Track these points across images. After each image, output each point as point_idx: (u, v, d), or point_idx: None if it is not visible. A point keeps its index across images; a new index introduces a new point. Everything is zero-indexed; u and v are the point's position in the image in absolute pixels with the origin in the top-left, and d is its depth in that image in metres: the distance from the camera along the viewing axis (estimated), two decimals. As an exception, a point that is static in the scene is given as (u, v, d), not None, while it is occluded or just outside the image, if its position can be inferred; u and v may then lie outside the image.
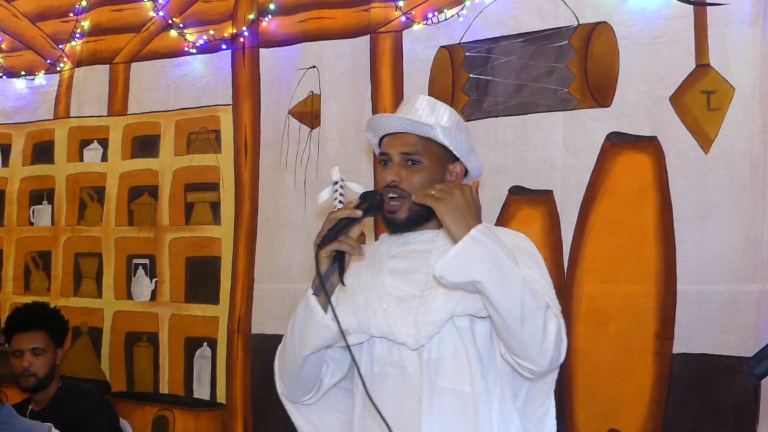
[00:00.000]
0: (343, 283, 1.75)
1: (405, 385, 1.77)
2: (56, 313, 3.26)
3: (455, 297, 1.74)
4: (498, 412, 1.75)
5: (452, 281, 1.62)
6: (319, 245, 1.72)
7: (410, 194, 1.80)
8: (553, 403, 1.84)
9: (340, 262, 1.74)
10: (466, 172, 1.93)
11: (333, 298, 1.78)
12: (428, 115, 1.86)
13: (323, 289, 1.75)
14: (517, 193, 2.75)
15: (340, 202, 1.85)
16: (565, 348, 1.69)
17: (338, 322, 1.72)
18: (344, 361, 1.91)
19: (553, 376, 1.79)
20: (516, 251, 1.77)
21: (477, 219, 1.67)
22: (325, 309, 1.76)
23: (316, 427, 1.96)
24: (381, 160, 1.89)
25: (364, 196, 1.79)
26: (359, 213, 1.74)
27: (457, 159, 1.89)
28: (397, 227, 1.85)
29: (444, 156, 1.87)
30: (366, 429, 1.83)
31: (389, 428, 1.66)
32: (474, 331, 1.77)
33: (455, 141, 1.85)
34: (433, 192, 1.67)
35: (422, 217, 1.84)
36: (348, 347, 1.74)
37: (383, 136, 1.91)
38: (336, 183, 1.87)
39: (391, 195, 1.82)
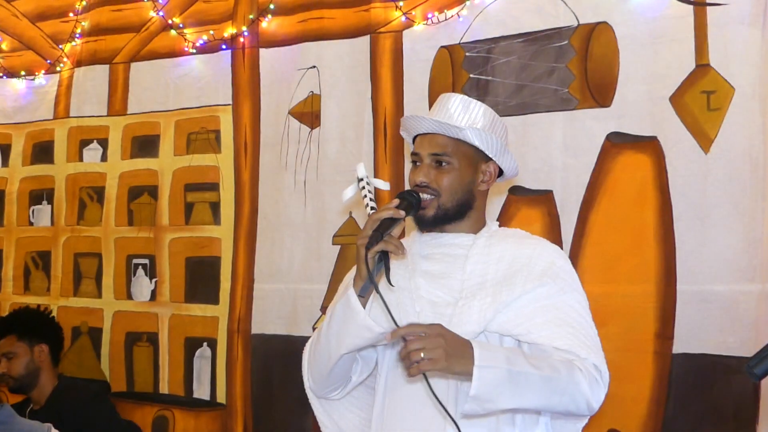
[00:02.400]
0: (390, 284, 1.72)
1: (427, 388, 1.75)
2: (27, 313, 3.32)
3: (489, 312, 1.75)
4: (521, 425, 1.76)
5: (480, 414, 1.66)
6: (367, 246, 1.70)
7: (440, 193, 1.82)
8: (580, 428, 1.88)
9: (386, 261, 1.72)
10: (500, 172, 1.93)
11: (377, 300, 1.75)
12: (460, 115, 1.85)
13: (375, 289, 1.71)
14: (516, 193, 2.75)
15: (371, 199, 1.84)
16: (604, 390, 1.73)
17: (392, 317, 1.67)
18: (373, 359, 1.91)
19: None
20: (552, 273, 1.79)
21: (468, 346, 1.62)
22: (366, 309, 1.75)
23: (336, 422, 1.96)
24: (412, 161, 1.90)
25: (402, 196, 1.79)
26: (402, 213, 1.74)
27: (490, 158, 1.89)
28: (426, 224, 1.85)
29: (476, 156, 1.87)
30: (384, 427, 1.82)
31: (446, 411, 1.63)
32: (502, 343, 1.78)
33: (486, 141, 1.85)
34: (423, 357, 1.56)
35: (450, 217, 1.84)
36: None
37: (416, 136, 1.92)
38: (361, 180, 1.85)
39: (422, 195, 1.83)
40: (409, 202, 1.78)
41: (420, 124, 1.88)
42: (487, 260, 1.82)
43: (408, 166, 2.93)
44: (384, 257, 1.72)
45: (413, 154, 1.90)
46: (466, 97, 1.92)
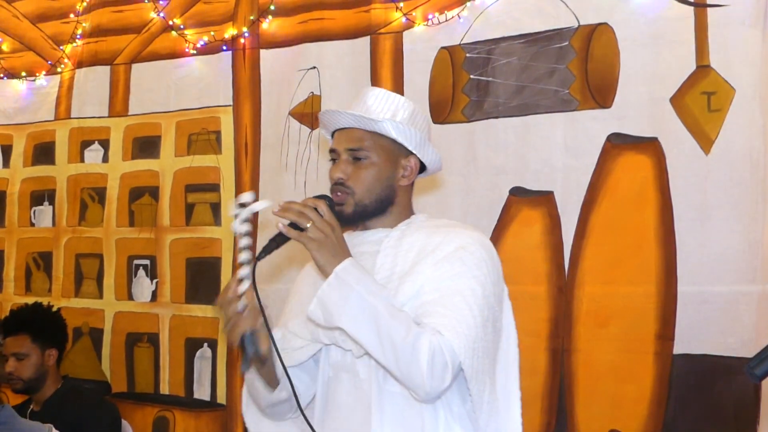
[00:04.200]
0: (261, 360, 1.72)
1: (356, 389, 1.74)
2: (44, 314, 3.25)
3: (402, 303, 1.68)
4: (443, 416, 1.71)
5: (322, 325, 1.65)
6: (225, 330, 1.69)
7: (355, 191, 1.77)
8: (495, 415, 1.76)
9: (251, 339, 1.67)
10: (422, 167, 1.87)
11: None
12: (378, 107, 1.80)
13: (261, 367, 1.75)
14: (517, 194, 2.75)
15: (247, 244, 1.70)
16: (452, 373, 1.61)
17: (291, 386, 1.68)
18: (317, 370, 1.87)
19: (474, 390, 1.71)
20: (454, 258, 1.70)
21: (344, 255, 1.65)
22: (269, 381, 1.77)
23: None
24: (331, 158, 1.85)
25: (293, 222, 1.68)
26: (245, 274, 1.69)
27: (411, 152, 1.84)
28: (345, 221, 1.76)
29: (396, 150, 1.81)
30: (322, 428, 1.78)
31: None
32: None
33: (405, 134, 1.80)
34: (310, 234, 1.63)
35: (369, 213, 1.79)
36: (295, 395, 1.69)
37: (334, 132, 1.87)
38: (239, 211, 1.70)
39: (338, 193, 1.78)
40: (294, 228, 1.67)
41: (337, 118, 1.82)
42: (397, 252, 1.76)
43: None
44: (249, 338, 1.67)
45: (331, 150, 1.85)
46: (385, 90, 1.87)
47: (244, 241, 1.69)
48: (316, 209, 1.67)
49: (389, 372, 1.65)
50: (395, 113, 1.80)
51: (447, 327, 1.62)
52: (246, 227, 1.68)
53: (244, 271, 1.68)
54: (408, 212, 1.86)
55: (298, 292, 1.93)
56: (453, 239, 1.75)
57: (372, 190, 1.79)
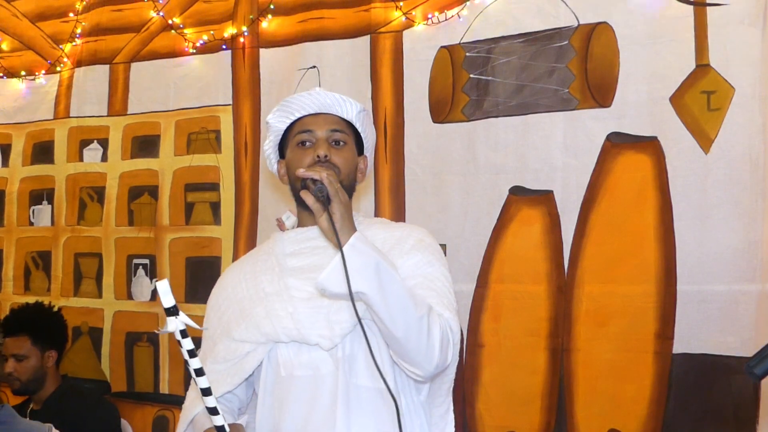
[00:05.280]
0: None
1: (317, 385, 1.70)
2: (45, 314, 3.24)
3: None
4: (405, 407, 1.72)
5: (335, 292, 1.56)
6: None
7: (340, 170, 1.74)
8: (451, 401, 1.83)
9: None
10: None
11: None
12: (343, 99, 1.80)
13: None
14: (517, 193, 2.76)
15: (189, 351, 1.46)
16: (453, 351, 1.67)
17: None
18: (247, 393, 1.85)
19: (451, 376, 1.79)
20: (421, 247, 1.76)
21: (354, 227, 1.62)
22: None
23: None
24: (300, 141, 1.79)
25: (317, 195, 1.60)
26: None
27: (362, 153, 1.85)
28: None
29: (357, 146, 1.83)
30: (275, 425, 1.74)
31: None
32: None
33: (367, 130, 1.81)
34: (340, 196, 1.58)
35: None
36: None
37: (295, 121, 1.82)
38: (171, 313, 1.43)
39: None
40: (321, 198, 1.60)
41: (317, 99, 1.78)
42: None
43: (408, 167, 2.94)
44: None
45: (303, 132, 1.78)
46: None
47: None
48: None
49: (390, 342, 1.62)
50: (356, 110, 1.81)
51: (443, 308, 1.67)
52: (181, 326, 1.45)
53: None
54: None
55: (232, 299, 1.84)
56: (411, 233, 1.80)
57: (349, 175, 1.79)
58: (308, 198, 1.59)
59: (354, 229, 1.59)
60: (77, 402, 3.10)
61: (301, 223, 1.87)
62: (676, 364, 2.48)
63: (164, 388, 3.43)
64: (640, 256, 2.54)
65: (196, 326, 1.44)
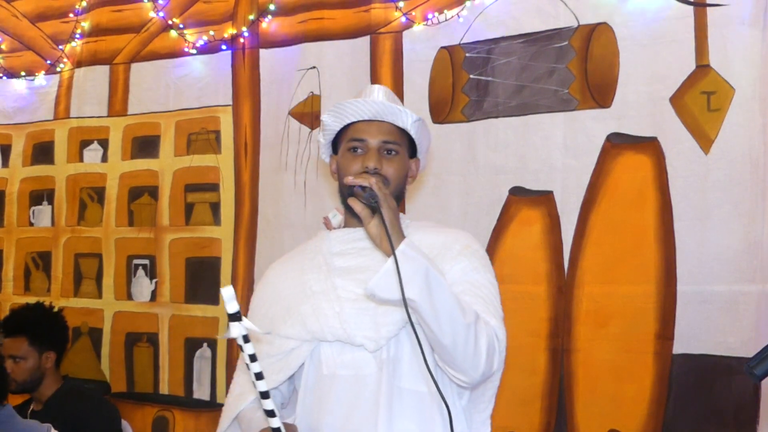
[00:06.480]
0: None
1: (359, 385, 1.71)
2: (44, 315, 3.22)
3: None
4: (448, 411, 1.70)
5: (385, 298, 1.57)
6: None
7: (390, 182, 1.74)
8: (492, 407, 1.83)
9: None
10: None
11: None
12: (399, 105, 1.80)
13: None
14: (517, 193, 2.76)
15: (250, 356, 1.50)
16: (498, 359, 1.67)
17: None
18: (290, 389, 1.87)
19: (495, 383, 1.79)
20: (468, 253, 1.76)
21: (402, 233, 1.62)
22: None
23: None
24: (351, 147, 1.79)
25: (368, 202, 1.62)
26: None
27: (414, 156, 1.86)
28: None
29: (408, 150, 1.84)
30: (313, 424, 1.75)
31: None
32: None
33: (422, 137, 1.82)
34: (389, 202, 1.60)
35: None
36: None
37: (349, 124, 1.82)
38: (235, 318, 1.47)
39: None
40: (371, 205, 1.62)
41: (367, 107, 1.77)
42: None
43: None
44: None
45: (355, 140, 1.78)
46: (388, 89, 1.86)
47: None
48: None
49: (437, 348, 1.62)
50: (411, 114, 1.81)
51: (490, 316, 1.68)
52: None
53: None
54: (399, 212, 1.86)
55: (277, 296, 1.86)
56: (457, 238, 1.80)
57: (399, 185, 1.80)
58: (356, 205, 1.62)
59: (402, 235, 1.61)
60: (78, 403, 3.10)
61: (347, 224, 1.88)
62: (677, 365, 2.48)
63: (164, 389, 3.43)
64: (640, 256, 2.54)
65: (259, 331, 1.49)
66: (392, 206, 1.62)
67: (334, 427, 1.71)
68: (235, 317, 1.44)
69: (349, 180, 1.66)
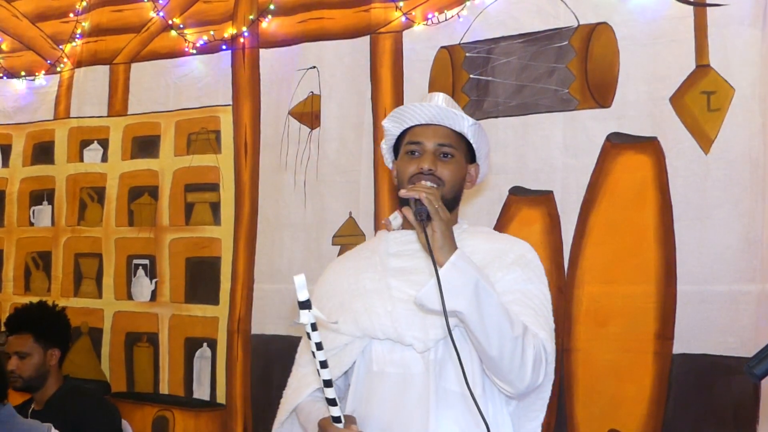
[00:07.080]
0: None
1: (406, 384, 1.75)
2: (48, 313, 3.23)
3: None
4: (493, 416, 1.74)
5: (432, 309, 1.60)
6: None
7: (444, 184, 1.78)
8: (543, 416, 1.85)
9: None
10: None
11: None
12: (458, 111, 1.83)
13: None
14: (517, 193, 2.76)
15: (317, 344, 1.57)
16: (545, 371, 1.70)
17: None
18: (345, 383, 1.89)
19: (546, 393, 1.81)
20: (522, 263, 1.78)
21: (454, 244, 1.63)
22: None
23: None
24: (409, 150, 1.83)
25: (418, 212, 1.62)
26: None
27: (473, 161, 1.88)
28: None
29: (467, 155, 1.86)
30: (363, 417, 1.76)
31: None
32: None
33: (480, 141, 1.85)
34: (441, 213, 1.62)
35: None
36: None
37: (408, 128, 1.86)
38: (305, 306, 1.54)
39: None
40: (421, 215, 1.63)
41: (424, 111, 1.82)
42: None
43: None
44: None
45: (412, 143, 1.83)
46: (448, 95, 1.90)
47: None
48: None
49: (484, 358, 1.65)
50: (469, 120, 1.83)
51: (539, 327, 1.70)
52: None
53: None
54: (457, 218, 1.89)
55: (333, 293, 1.89)
56: (513, 246, 1.83)
57: (454, 188, 1.82)
58: (409, 215, 1.64)
59: (455, 246, 1.62)
60: (79, 402, 3.10)
61: (405, 226, 1.90)
62: (676, 365, 2.48)
63: (164, 389, 3.43)
64: (640, 256, 2.54)
65: (327, 320, 1.58)
66: (444, 217, 1.62)
67: (382, 421, 1.74)
68: (305, 305, 1.51)
69: (402, 193, 1.69)
